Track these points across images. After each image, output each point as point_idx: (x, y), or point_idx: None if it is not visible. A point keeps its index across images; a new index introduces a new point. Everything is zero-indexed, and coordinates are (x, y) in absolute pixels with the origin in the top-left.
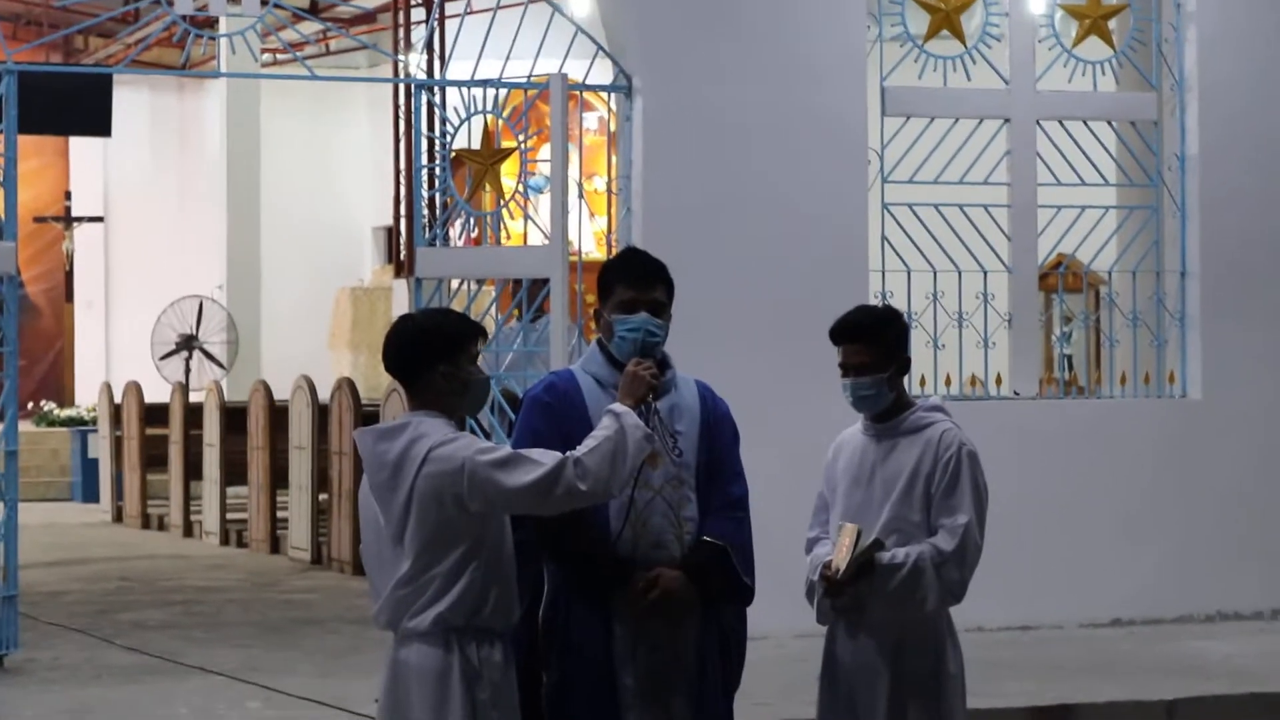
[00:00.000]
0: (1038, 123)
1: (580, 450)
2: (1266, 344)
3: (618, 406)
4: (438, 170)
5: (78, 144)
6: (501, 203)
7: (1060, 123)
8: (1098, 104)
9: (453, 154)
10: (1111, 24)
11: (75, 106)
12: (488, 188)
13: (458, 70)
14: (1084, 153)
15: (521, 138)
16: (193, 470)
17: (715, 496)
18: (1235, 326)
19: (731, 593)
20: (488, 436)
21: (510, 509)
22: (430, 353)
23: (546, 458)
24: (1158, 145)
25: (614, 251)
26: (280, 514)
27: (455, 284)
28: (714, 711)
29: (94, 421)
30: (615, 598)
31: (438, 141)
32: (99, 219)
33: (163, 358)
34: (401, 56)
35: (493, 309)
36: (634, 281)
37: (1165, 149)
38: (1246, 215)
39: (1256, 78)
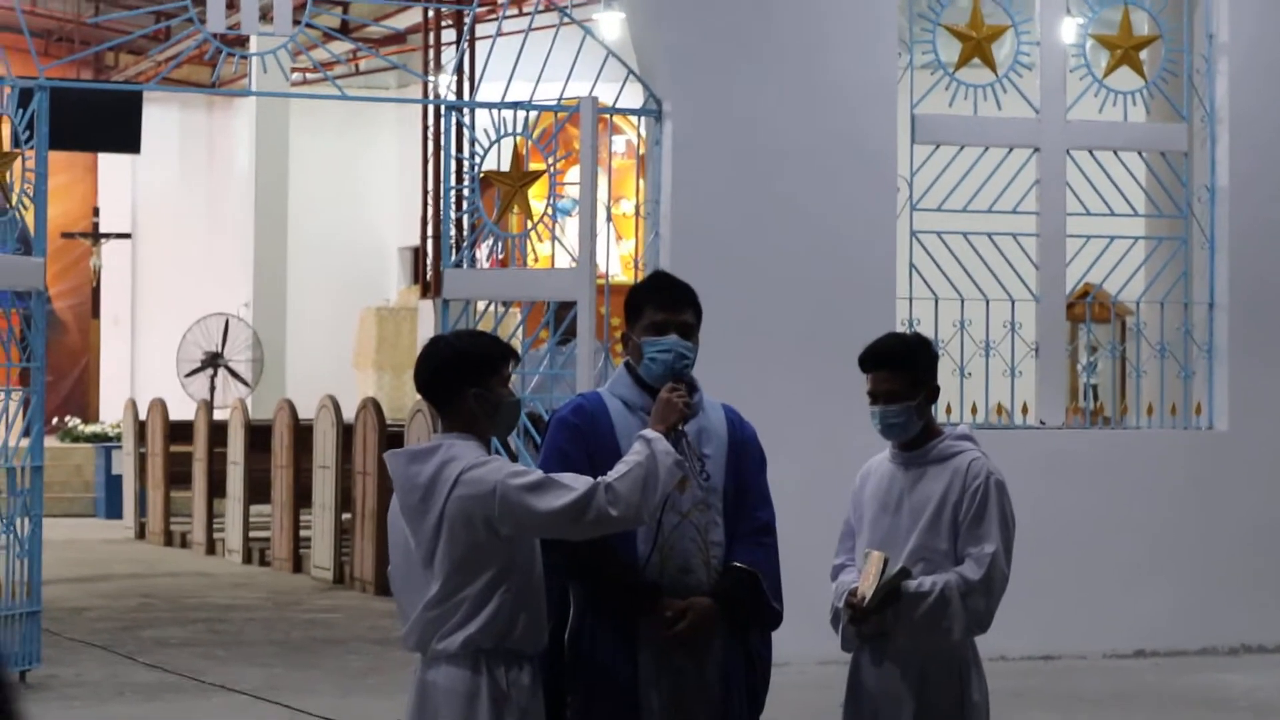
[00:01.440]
0: (1068, 152)
1: (612, 476)
2: None
3: (649, 432)
4: (466, 191)
5: (106, 160)
6: (530, 225)
7: (1090, 152)
8: (1128, 134)
9: (481, 175)
10: (1143, 55)
11: (105, 123)
12: (516, 209)
13: (488, 92)
14: (1113, 183)
15: (551, 160)
16: (216, 488)
17: (743, 522)
18: (1263, 359)
19: (761, 618)
20: (514, 458)
21: (541, 533)
22: (462, 375)
23: (578, 483)
24: (1187, 176)
25: (641, 275)
26: (303, 533)
27: (481, 306)
28: None
29: (118, 438)
30: (641, 622)
31: (466, 163)
32: (126, 235)
33: (188, 375)
34: (431, 77)
35: (519, 331)
36: (664, 304)
37: (1195, 180)
38: (1276, 247)
39: None
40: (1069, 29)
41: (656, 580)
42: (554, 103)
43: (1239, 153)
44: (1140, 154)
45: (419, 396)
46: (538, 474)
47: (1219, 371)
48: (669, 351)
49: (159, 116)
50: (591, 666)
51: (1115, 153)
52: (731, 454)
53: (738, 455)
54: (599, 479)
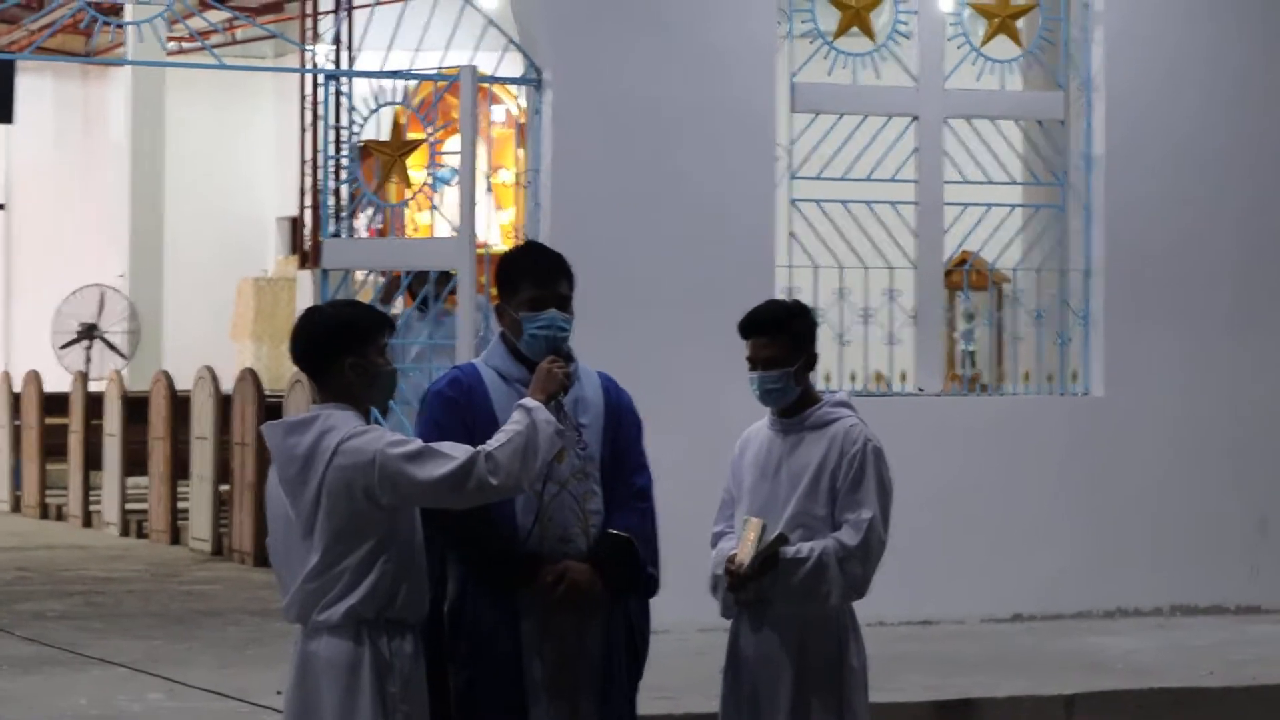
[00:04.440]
0: (945, 121)
1: (492, 444)
2: (1168, 343)
3: (529, 401)
4: (345, 161)
5: None
6: (409, 195)
7: (968, 121)
8: (1005, 103)
9: (360, 145)
10: (1020, 23)
11: None
12: (395, 179)
13: (366, 61)
14: (991, 151)
15: (430, 130)
16: (92, 460)
17: (619, 488)
18: (1138, 325)
19: (637, 584)
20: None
21: (421, 502)
22: (338, 345)
23: (458, 451)
24: (1064, 145)
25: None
26: (181, 505)
27: (360, 276)
28: (619, 704)
29: None
30: (522, 592)
31: (345, 132)
32: (0, 207)
33: (63, 346)
34: (309, 46)
35: (399, 301)
36: (540, 279)
37: (1071, 148)
38: (1151, 215)
39: (1163, 79)
40: None
41: (537, 550)
42: (433, 72)
43: (1115, 121)
44: (1017, 122)
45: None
46: (417, 443)
47: (1095, 338)
48: (549, 327)
49: (32, 86)
50: (474, 636)
51: (993, 121)
52: (608, 422)
53: (614, 423)
54: (479, 448)
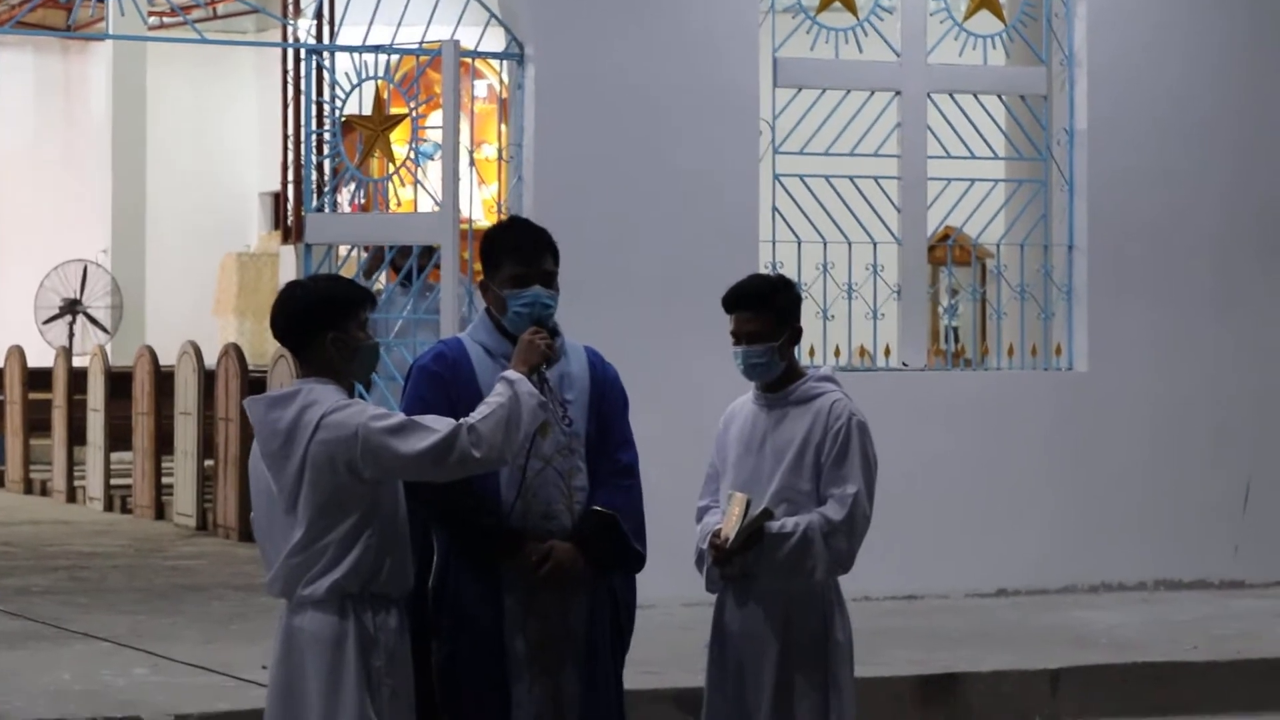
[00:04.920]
0: (928, 96)
1: (474, 417)
2: (1152, 318)
3: (511, 374)
4: (327, 136)
5: None
6: (392, 169)
7: (951, 96)
8: (988, 78)
9: (343, 119)
10: None
11: None
12: (378, 154)
13: (348, 35)
14: (974, 126)
15: (413, 104)
16: (76, 435)
17: (604, 464)
18: (1121, 300)
19: (623, 560)
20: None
21: (404, 475)
22: (319, 320)
23: (440, 424)
24: (1047, 120)
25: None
26: (165, 480)
27: (344, 251)
28: (604, 680)
29: None
30: (505, 568)
31: (327, 107)
32: None
33: (46, 322)
34: (291, 21)
35: (382, 276)
36: (524, 256)
37: (1054, 123)
38: (1134, 190)
39: (1145, 54)
40: None
41: (520, 526)
42: (416, 46)
43: (1097, 96)
44: (1000, 97)
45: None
46: (400, 417)
47: (1078, 313)
48: (533, 304)
49: (12, 61)
50: (456, 611)
51: (975, 96)
52: (594, 397)
53: (600, 398)
54: (461, 420)
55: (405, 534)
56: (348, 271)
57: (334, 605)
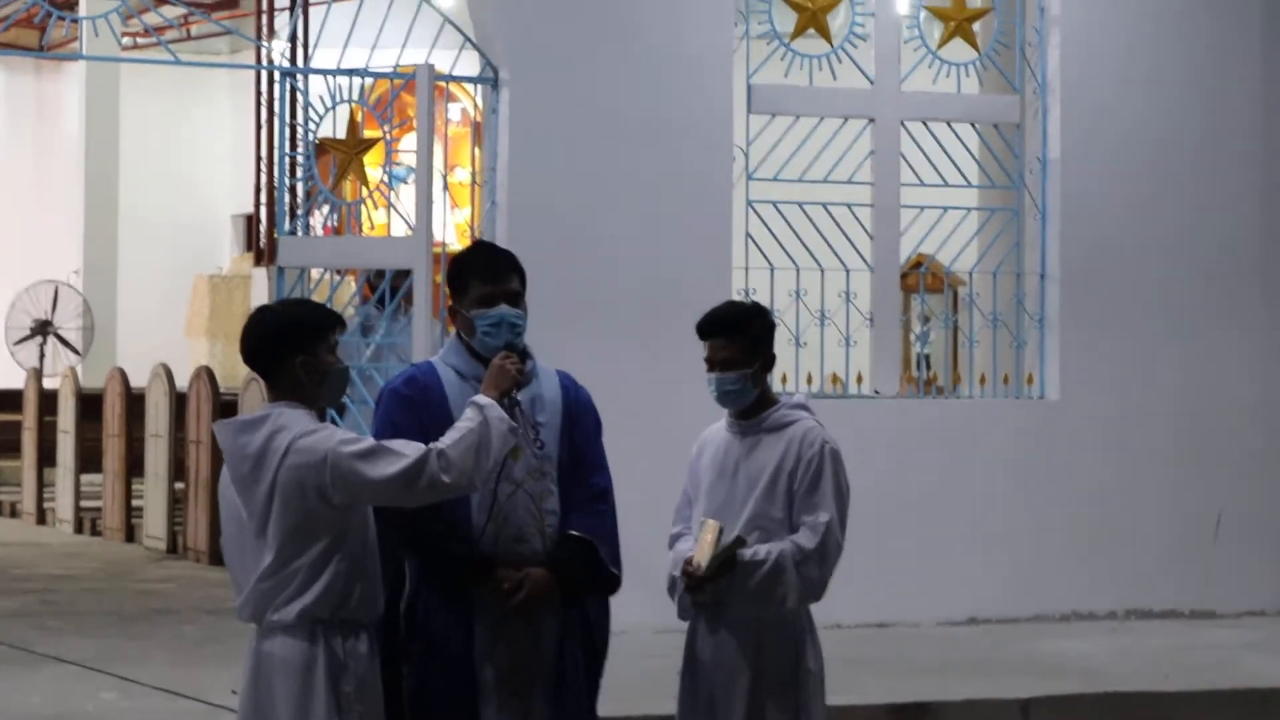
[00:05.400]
0: (902, 123)
1: (444, 442)
2: (1124, 347)
3: (481, 399)
4: (301, 158)
5: None
6: (365, 193)
7: (924, 123)
8: (961, 106)
9: (316, 142)
10: (976, 26)
11: None
12: (351, 177)
13: (323, 58)
14: (947, 154)
15: (386, 128)
16: (46, 457)
17: (578, 489)
18: (1093, 329)
19: (599, 585)
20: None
21: (373, 500)
22: (288, 344)
23: (410, 449)
24: (1019, 148)
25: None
26: (136, 503)
27: (316, 274)
28: (574, 704)
29: None
30: (476, 593)
31: (301, 129)
32: None
33: (17, 343)
34: (265, 43)
35: (354, 300)
36: (489, 276)
37: (1027, 152)
38: (1106, 219)
39: (1118, 83)
40: (903, 0)
41: (492, 550)
42: (390, 70)
43: (1070, 125)
44: (973, 125)
45: None
46: (369, 441)
47: (1050, 341)
48: (500, 322)
49: None
50: (427, 638)
51: (949, 124)
52: (566, 421)
53: (572, 422)
54: (431, 445)
55: (375, 559)
56: (320, 295)
57: (304, 630)
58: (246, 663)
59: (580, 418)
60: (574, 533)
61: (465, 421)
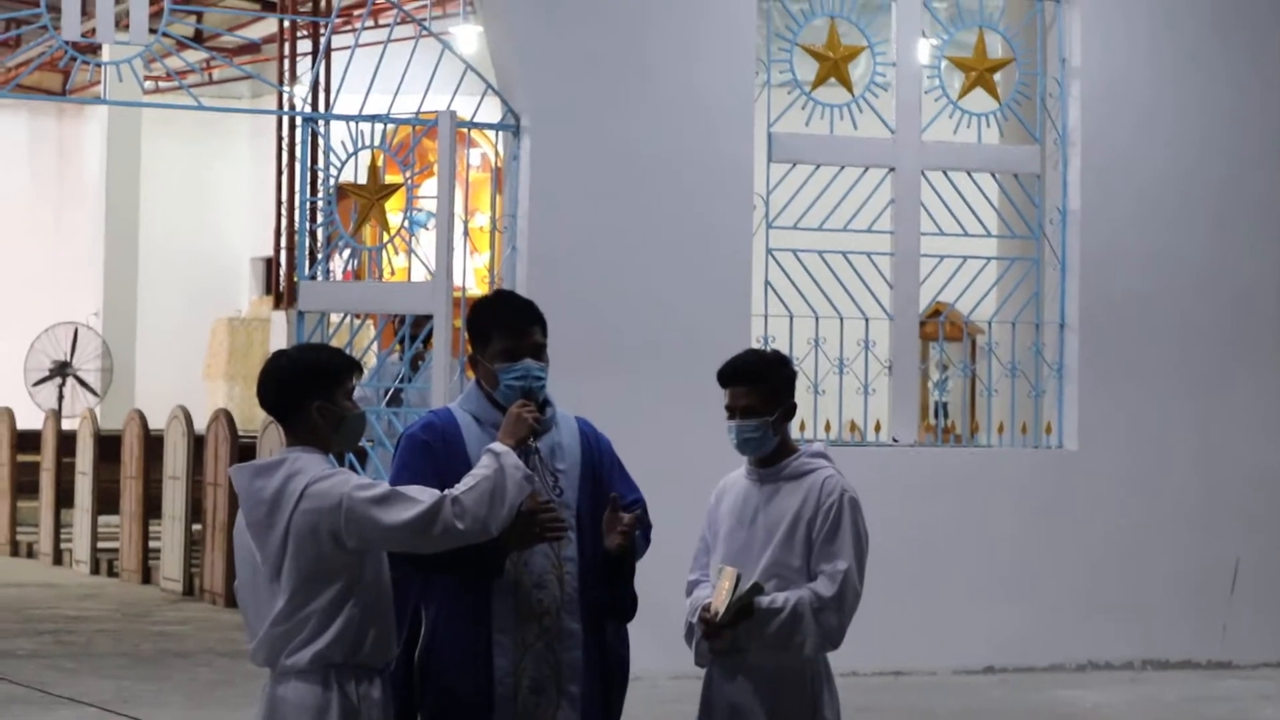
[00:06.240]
0: (922, 172)
1: (459, 489)
2: (1142, 397)
3: (497, 446)
4: (322, 203)
5: None
6: (386, 238)
7: (944, 173)
8: (982, 156)
9: (337, 187)
10: (997, 77)
11: None
12: (372, 222)
13: (344, 103)
14: (967, 203)
15: (407, 173)
16: (64, 498)
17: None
18: (1112, 379)
19: (622, 604)
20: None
21: (387, 546)
22: (305, 389)
23: (425, 495)
24: (1039, 198)
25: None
26: (153, 544)
27: (335, 318)
28: None
29: None
30: (494, 641)
31: (322, 174)
32: None
33: (36, 384)
34: (286, 88)
35: (374, 345)
36: (513, 330)
37: (1047, 202)
38: (1125, 269)
39: (1138, 135)
40: (924, 50)
41: (512, 597)
42: (411, 116)
43: (1090, 175)
44: (993, 175)
45: None
46: (384, 487)
47: (1069, 391)
48: (524, 377)
49: (7, 123)
50: (442, 683)
51: (969, 174)
52: (585, 469)
53: (592, 470)
54: (446, 491)
55: (389, 604)
56: (340, 339)
57: (317, 675)
58: (260, 707)
59: (601, 464)
60: (623, 514)
61: (481, 469)
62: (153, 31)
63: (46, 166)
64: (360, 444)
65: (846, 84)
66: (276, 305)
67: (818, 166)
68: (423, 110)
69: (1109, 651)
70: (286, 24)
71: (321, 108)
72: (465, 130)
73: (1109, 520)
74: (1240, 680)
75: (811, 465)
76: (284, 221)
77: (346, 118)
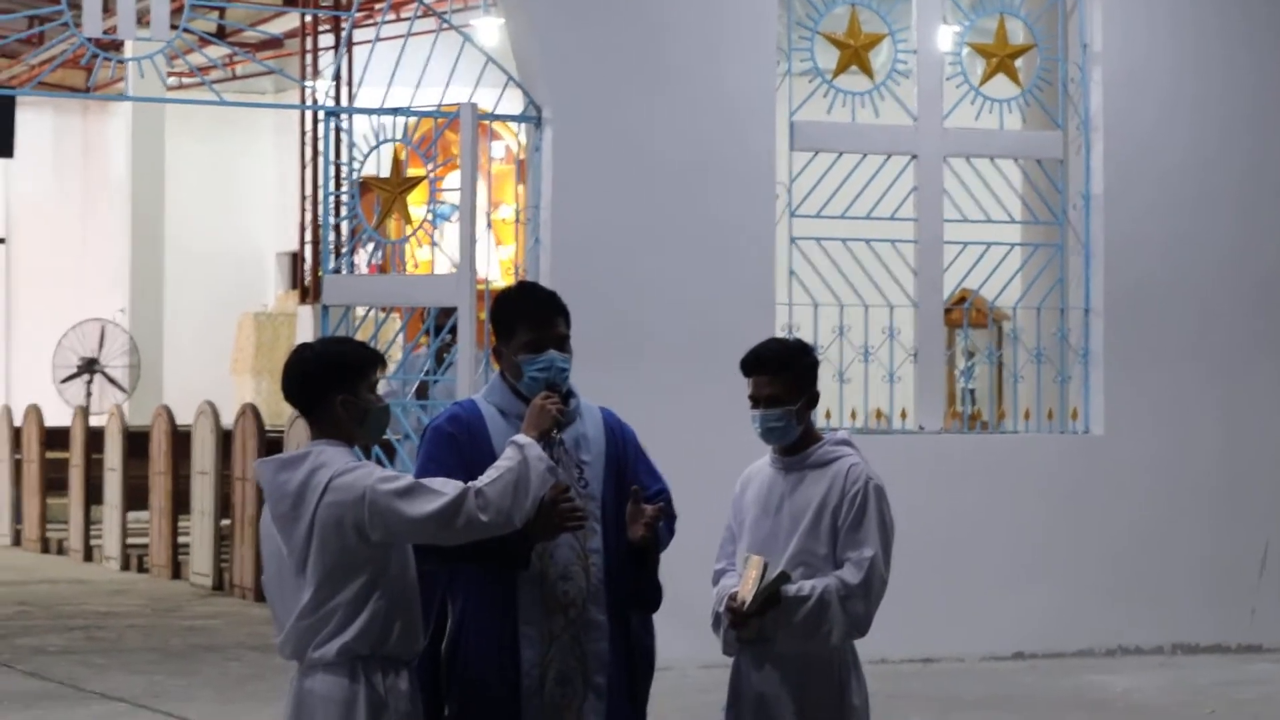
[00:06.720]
0: (945, 159)
1: (482, 481)
2: (1168, 381)
3: (521, 438)
4: (345, 197)
5: None
6: (409, 231)
7: (967, 160)
8: (1004, 142)
9: (360, 180)
10: (1018, 63)
11: None
12: (395, 215)
13: (366, 97)
14: (990, 190)
15: (430, 166)
16: (93, 494)
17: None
18: (1137, 364)
19: (645, 591)
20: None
21: (411, 538)
22: (329, 382)
23: (448, 487)
24: (1063, 183)
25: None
26: (182, 540)
27: (360, 312)
28: None
29: None
30: (520, 633)
31: (345, 168)
32: (0, 241)
33: (64, 381)
34: (309, 83)
35: (399, 337)
36: (536, 321)
37: (1070, 187)
38: (1149, 253)
39: (1160, 119)
40: (945, 37)
41: (538, 588)
42: (433, 109)
43: (1113, 160)
44: (1016, 161)
45: None
46: (408, 479)
47: (1094, 376)
48: (548, 368)
49: (32, 120)
50: (469, 675)
51: (992, 160)
52: (610, 461)
53: (617, 459)
54: (469, 484)
55: (415, 596)
56: (364, 332)
57: (344, 667)
58: (288, 700)
59: (625, 454)
60: (646, 505)
61: (504, 460)
62: (174, 28)
63: (72, 164)
64: (386, 437)
65: (868, 71)
66: (302, 299)
67: (840, 154)
68: (444, 103)
69: (1138, 636)
70: (308, 19)
71: (344, 102)
72: (487, 122)
73: (1136, 504)
74: (1271, 663)
75: (836, 453)
76: (308, 216)
77: (369, 111)
